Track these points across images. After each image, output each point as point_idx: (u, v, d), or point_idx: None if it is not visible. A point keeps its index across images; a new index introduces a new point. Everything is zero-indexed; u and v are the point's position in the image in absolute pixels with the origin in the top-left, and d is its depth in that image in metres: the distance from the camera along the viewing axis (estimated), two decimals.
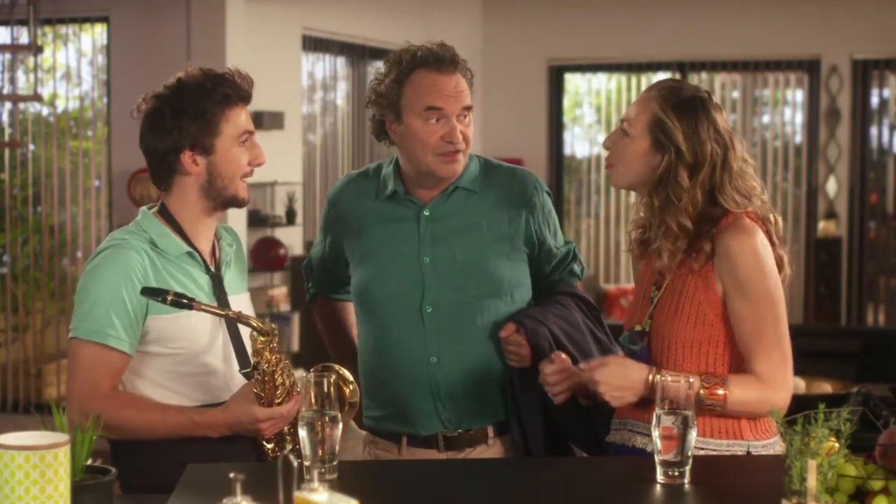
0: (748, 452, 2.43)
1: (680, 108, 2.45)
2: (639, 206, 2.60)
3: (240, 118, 2.53)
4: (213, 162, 2.52)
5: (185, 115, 2.49)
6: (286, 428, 2.48)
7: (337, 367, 2.58)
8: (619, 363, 2.43)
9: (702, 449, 2.38)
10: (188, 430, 2.42)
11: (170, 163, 2.52)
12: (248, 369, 2.50)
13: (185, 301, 2.35)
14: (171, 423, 2.42)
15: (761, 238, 2.42)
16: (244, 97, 2.55)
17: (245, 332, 2.50)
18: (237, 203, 2.58)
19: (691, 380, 2.20)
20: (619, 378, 2.38)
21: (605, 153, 2.63)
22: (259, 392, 2.41)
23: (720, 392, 2.37)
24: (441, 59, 2.66)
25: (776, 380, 2.38)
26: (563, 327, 2.73)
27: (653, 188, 2.48)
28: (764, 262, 2.40)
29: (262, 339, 2.40)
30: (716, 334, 2.43)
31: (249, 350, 2.48)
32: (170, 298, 2.34)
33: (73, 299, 2.52)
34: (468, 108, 2.69)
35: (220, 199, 2.55)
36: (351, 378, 2.58)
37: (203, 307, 2.39)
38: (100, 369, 2.43)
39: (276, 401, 2.42)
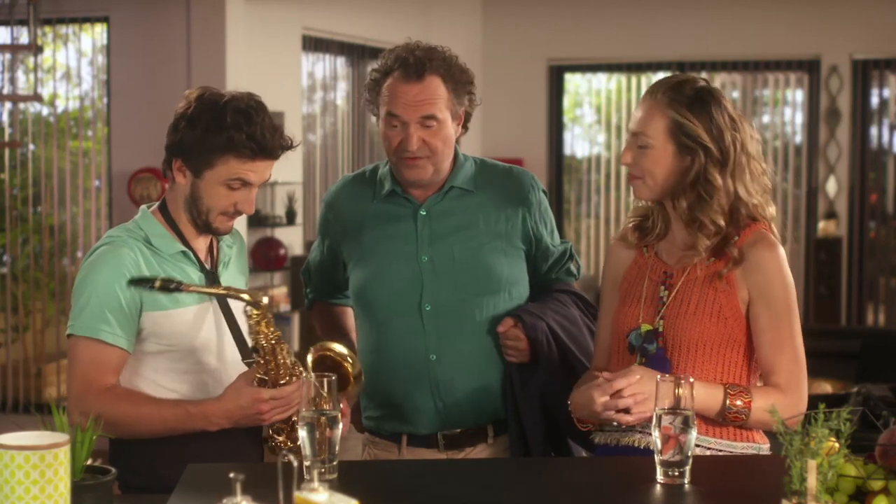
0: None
1: (693, 104, 2.43)
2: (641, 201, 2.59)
3: (243, 168, 2.46)
4: (197, 185, 2.51)
5: (193, 130, 2.46)
6: (291, 418, 2.47)
7: (335, 345, 2.59)
8: (647, 373, 2.33)
9: (709, 448, 2.42)
10: (184, 422, 2.41)
11: (168, 162, 2.54)
12: (251, 359, 2.49)
13: (172, 285, 2.35)
14: (168, 416, 2.42)
15: (783, 253, 2.47)
16: (266, 153, 2.47)
17: (244, 321, 2.50)
18: (212, 232, 2.56)
19: (691, 380, 2.20)
20: (650, 390, 2.27)
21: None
22: (262, 375, 2.40)
23: (746, 399, 2.38)
24: (406, 67, 2.65)
25: (797, 390, 2.42)
26: (561, 322, 2.74)
27: (680, 190, 2.45)
28: (789, 277, 2.45)
29: (255, 312, 2.40)
30: (734, 337, 2.44)
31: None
32: (157, 284, 2.35)
33: (71, 297, 2.53)
34: (430, 117, 2.65)
35: (199, 220, 2.54)
36: (348, 352, 2.58)
37: (192, 288, 2.40)
38: (96, 366, 2.44)
39: (281, 381, 2.41)
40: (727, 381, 2.44)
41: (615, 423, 2.38)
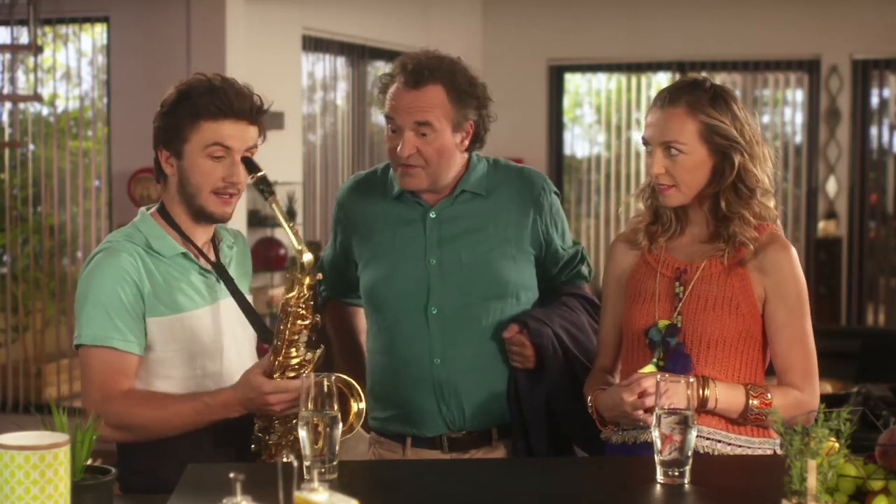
0: (775, 452, 2.47)
1: (715, 104, 2.45)
2: (644, 200, 2.59)
3: (216, 131, 2.47)
4: (182, 167, 2.51)
5: (165, 114, 2.51)
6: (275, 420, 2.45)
7: (352, 381, 2.52)
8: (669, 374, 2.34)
9: (729, 444, 2.43)
10: (204, 414, 2.40)
11: (156, 160, 2.56)
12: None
13: (265, 188, 2.44)
14: (187, 411, 2.40)
15: (795, 252, 2.50)
16: (234, 112, 2.49)
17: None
18: (208, 217, 2.53)
19: (691, 380, 2.20)
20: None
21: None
22: (273, 359, 2.38)
23: (766, 399, 2.40)
24: (406, 73, 2.65)
25: (812, 388, 2.45)
26: (568, 328, 2.73)
27: (716, 190, 2.46)
28: (802, 276, 2.49)
29: (295, 272, 2.37)
30: (751, 332, 2.46)
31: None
32: (256, 176, 2.44)
33: (74, 308, 2.52)
34: (425, 124, 2.63)
35: (193, 208, 2.53)
36: (363, 398, 2.51)
37: (276, 203, 2.42)
38: (110, 373, 2.43)
39: (290, 374, 2.37)
40: (745, 378, 2.46)
41: (641, 424, 2.37)
